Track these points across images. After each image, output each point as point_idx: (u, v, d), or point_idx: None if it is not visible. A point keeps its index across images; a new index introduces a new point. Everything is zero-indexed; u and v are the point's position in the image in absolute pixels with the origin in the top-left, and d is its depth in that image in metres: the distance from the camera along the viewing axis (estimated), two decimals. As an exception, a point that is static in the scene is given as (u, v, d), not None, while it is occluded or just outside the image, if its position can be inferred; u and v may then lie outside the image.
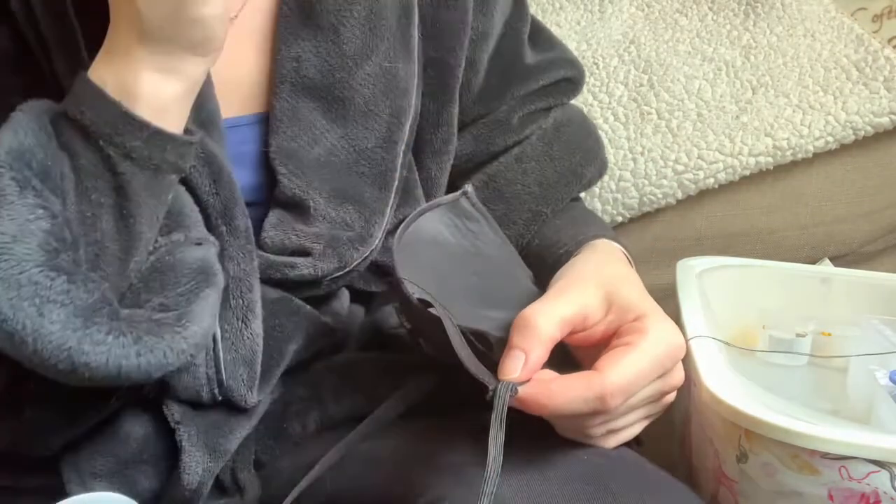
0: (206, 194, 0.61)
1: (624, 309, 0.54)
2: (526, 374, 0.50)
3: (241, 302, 0.60)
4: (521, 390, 0.49)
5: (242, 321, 0.60)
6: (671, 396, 0.56)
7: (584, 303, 0.54)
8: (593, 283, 0.56)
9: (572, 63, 0.82)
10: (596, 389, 0.50)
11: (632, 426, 0.56)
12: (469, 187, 0.66)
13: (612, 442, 0.56)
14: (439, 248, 0.61)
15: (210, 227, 0.61)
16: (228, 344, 0.60)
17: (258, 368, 0.61)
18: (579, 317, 0.53)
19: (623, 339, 0.53)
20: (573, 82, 0.82)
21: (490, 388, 0.49)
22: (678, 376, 0.55)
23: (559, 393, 0.50)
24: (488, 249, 0.64)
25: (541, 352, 0.51)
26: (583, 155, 0.80)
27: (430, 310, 0.52)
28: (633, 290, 0.56)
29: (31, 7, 0.59)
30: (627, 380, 0.51)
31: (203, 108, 0.62)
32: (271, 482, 0.65)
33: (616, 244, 0.70)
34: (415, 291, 0.53)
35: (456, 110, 0.74)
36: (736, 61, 0.98)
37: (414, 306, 0.53)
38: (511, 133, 0.78)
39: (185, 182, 0.60)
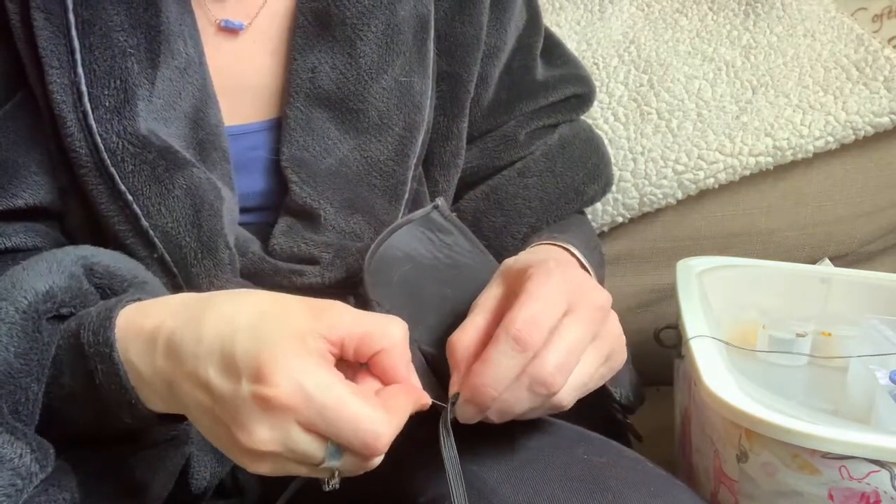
0: (185, 230, 0.60)
1: (516, 274, 0.54)
2: (463, 381, 0.51)
3: None
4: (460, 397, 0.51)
5: None
6: (610, 318, 0.54)
7: (490, 298, 0.54)
8: (496, 276, 0.57)
9: (583, 79, 0.82)
10: (504, 333, 0.49)
11: (589, 358, 0.52)
12: (440, 200, 0.66)
13: (594, 382, 0.54)
14: (413, 263, 0.61)
15: (188, 264, 0.60)
16: None
17: None
18: (490, 312, 0.54)
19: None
20: (583, 99, 0.82)
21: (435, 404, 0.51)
22: (593, 299, 0.53)
23: (481, 365, 0.50)
24: (464, 260, 0.64)
25: (468, 362, 0.52)
26: (586, 173, 0.80)
27: None
28: (525, 258, 0.56)
29: (31, 21, 0.58)
30: (528, 308, 0.50)
31: (203, 125, 0.62)
32: (270, 483, 0.65)
33: (561, 245, 0.70)
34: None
35: (465, 124, 0.73)
36: (736, 61, 0.98)
37: None
38: (517, 148, 0.78)
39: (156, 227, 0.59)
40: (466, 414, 0.51)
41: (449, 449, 0.49)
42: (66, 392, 0.50)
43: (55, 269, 0.51)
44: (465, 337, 0.52)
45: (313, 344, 0.44)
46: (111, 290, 0.53)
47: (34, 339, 0.49)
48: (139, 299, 0.51)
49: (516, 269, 0.55)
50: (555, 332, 0.50)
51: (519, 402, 0.51)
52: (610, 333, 0.54)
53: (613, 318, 0.55)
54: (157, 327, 0.47)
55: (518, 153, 0.78)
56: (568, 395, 0.51)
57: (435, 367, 0.56)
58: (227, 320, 0.45)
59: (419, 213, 0.64)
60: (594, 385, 0.54)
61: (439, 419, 0.50)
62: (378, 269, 0.59)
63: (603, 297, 0.54)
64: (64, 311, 0.50)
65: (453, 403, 0.51)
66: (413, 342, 0.54)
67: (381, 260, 0.59)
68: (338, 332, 0.45)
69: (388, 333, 0.46)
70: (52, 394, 0.50)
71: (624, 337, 0.55)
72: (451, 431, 0.50)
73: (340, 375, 0.44)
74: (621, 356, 0.55)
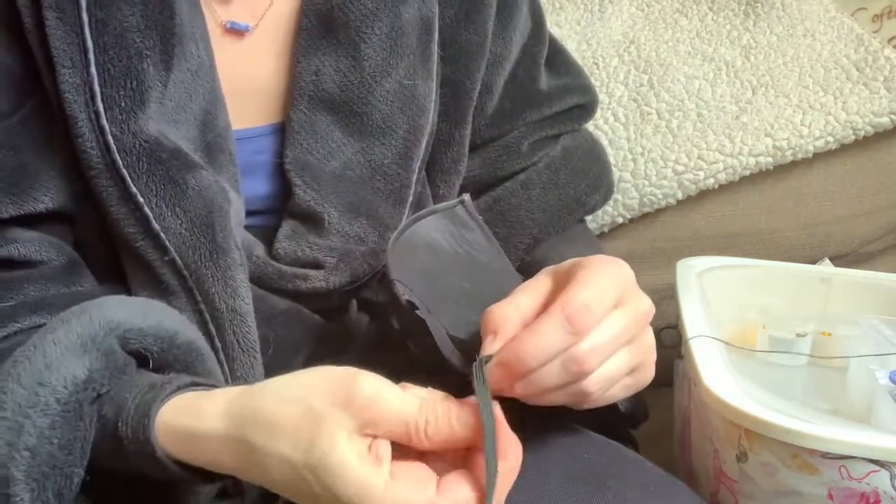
0: (200, 230, 0.59)
1: (566, 269, 0.53)
2: (500, 345, 0.50)
3: (235, 338, 0.60)
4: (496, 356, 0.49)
5: (245, 353, 0.60)
6: (648, 329, 0.54)
7: (536, 287, 0.53)
8: (543, 272, 0.55)
9: (586, 89, 0.82)
10: (559, 310, 0.48)
11: (622, 358, 0.52)
12: (467, 197, 0.66)
13: (619, 386, 0.53)
14: (433, 253, 0.61)
15: (202, 265, 0.60)
16: (235, 375, 0.60)
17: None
18: (535, 299, 0.52)
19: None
20: (585, 109, 0.82)
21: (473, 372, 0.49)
22: (640, 301, 0.53)
23: (527, 334, 0.49)
24: (482, 258, 0.64)
25: (509, 329, 0.50)
26: (588, 183, 0.80)
27: (417, 312, 0.53)
28: (575, 257, 0.55)
29: (43, 20, 0.57)
30: (585, 293, 0.49)
31: (212, 128, 0.62)
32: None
33: None
34: (404, 293, 0.54)
35: (468, 132, 0.73)
36: (736, 61, 0.98)
37: (402, 307, 0.54)
38: (520, 159, 0.78)
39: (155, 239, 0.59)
40: (493, 378, 0.49)
41: (486, 401, 0.47)
42: (106, 464, 0.49)
43: (90, 346, 0.49)
44: (508, 308, 0.51)
45: (362, 447, 0.44)
46: (146, 350, 0.52)
47: (76, 429, 0.48)
48: (178, 388, 0.50)
49: (568, 264, 0.54)
50: (602, 318, 0.50)
51: (549, 377, 0.49)
52: (644, 343, 0.53)
53: (650, 331, 0.54)
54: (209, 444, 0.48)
55: (520, 164, 0.78)
56: (595, 383, 0.50)
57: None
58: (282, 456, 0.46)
59: (445, 205, 0.64)
60: (617, 392, 0.53)
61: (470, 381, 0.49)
62: (400, 251, 0.59)
63: (648, 303, 0.53)
64: (103, 390, 0.49)
65: (485, 363, 0.49)
66: (441, 326, 0.53)
67: (404, 245, 0.59)
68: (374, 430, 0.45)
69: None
70: (92, 464, 0.49)
71: (655, 355, 0.55)
72: (486, 383, 0.48)
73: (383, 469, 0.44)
74: (648, 372, 0.54)
